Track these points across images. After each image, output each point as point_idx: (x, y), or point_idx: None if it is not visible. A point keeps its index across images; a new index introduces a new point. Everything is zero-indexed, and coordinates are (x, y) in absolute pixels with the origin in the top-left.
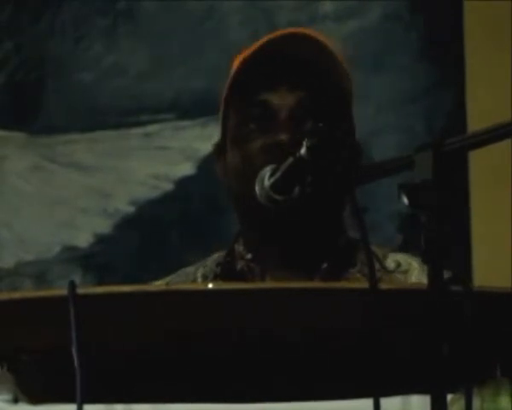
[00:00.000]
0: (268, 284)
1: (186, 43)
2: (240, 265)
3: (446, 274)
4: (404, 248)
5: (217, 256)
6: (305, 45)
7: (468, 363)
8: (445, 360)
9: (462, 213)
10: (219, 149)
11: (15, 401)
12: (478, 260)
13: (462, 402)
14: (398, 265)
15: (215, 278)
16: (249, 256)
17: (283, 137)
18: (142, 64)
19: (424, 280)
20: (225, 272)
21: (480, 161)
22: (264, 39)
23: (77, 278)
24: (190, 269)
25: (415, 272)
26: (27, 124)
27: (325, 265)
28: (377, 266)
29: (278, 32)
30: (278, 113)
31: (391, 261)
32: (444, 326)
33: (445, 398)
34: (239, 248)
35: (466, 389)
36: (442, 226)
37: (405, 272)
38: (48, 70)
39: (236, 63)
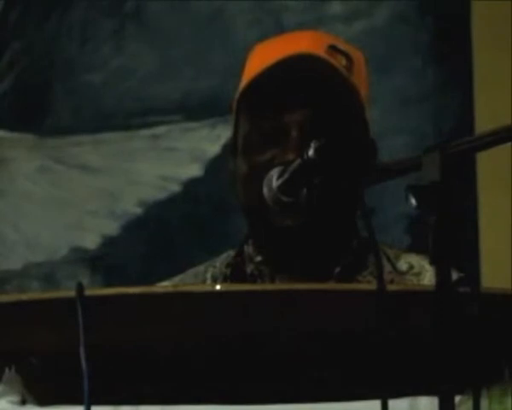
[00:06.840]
0: (275, 286)
1: (194, 45)
2: (250, 268)
3: (455, 275)
4: (412, 249)
5: (226, 256)
6: (317, 65)
7: (476, 364)
8: (453, 361)
9: (469, 214)
10: (231, 149)
11: (23, 402)
12: (486, 260)
13: (469, 404)
14: (411, 267)
15: (225, 280)
16: (259, 259)
17: (292, 156)
18: (150, 65)
19: None
20: (235, 274)
21: (487, 162)
22: (281, 56)
23: (85, 280)
24: (199, 269)
25: (427, 275)
26: (35, 125)
27: (338, 269)
28: (389, 267)
29: (295, 52)
30: (289, 129)
31: (403, 263)
32: (451, 327)
33: (453, 399)
34: (248, 249)
35: (474, 390)
36: (449, 227)
37: (418, 274)
38: (55, 72)
39: (252, 67)
